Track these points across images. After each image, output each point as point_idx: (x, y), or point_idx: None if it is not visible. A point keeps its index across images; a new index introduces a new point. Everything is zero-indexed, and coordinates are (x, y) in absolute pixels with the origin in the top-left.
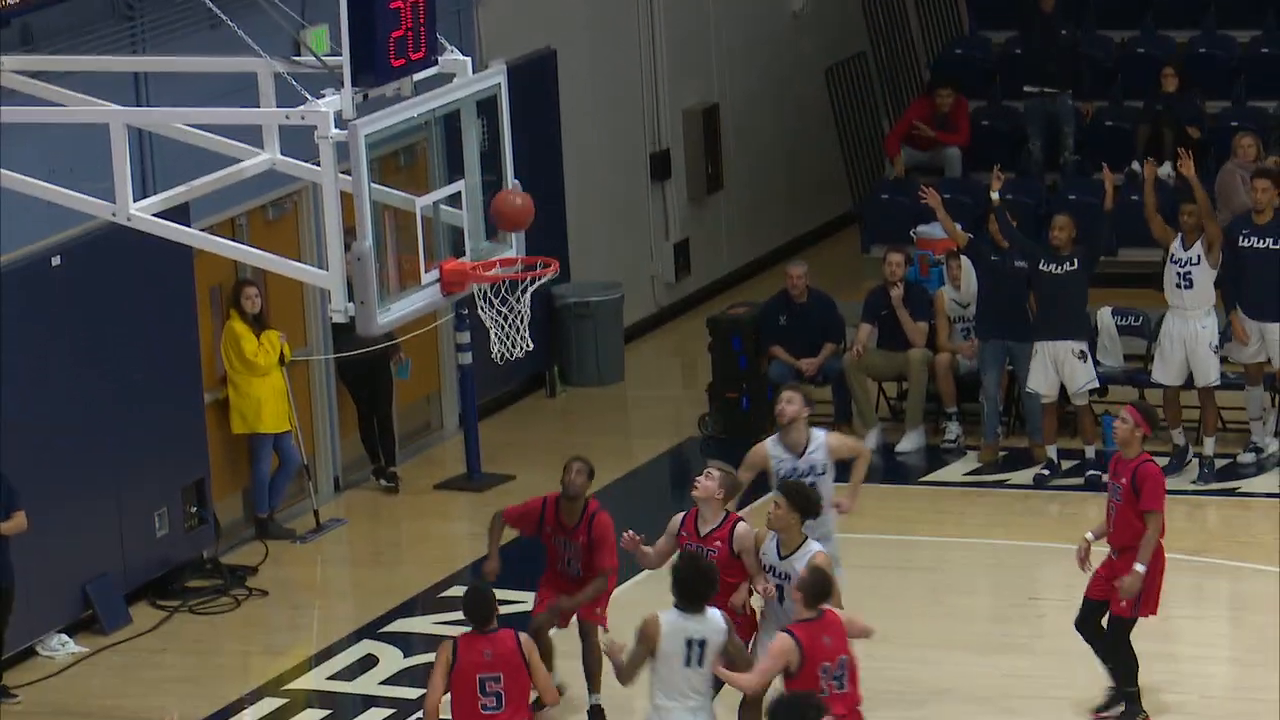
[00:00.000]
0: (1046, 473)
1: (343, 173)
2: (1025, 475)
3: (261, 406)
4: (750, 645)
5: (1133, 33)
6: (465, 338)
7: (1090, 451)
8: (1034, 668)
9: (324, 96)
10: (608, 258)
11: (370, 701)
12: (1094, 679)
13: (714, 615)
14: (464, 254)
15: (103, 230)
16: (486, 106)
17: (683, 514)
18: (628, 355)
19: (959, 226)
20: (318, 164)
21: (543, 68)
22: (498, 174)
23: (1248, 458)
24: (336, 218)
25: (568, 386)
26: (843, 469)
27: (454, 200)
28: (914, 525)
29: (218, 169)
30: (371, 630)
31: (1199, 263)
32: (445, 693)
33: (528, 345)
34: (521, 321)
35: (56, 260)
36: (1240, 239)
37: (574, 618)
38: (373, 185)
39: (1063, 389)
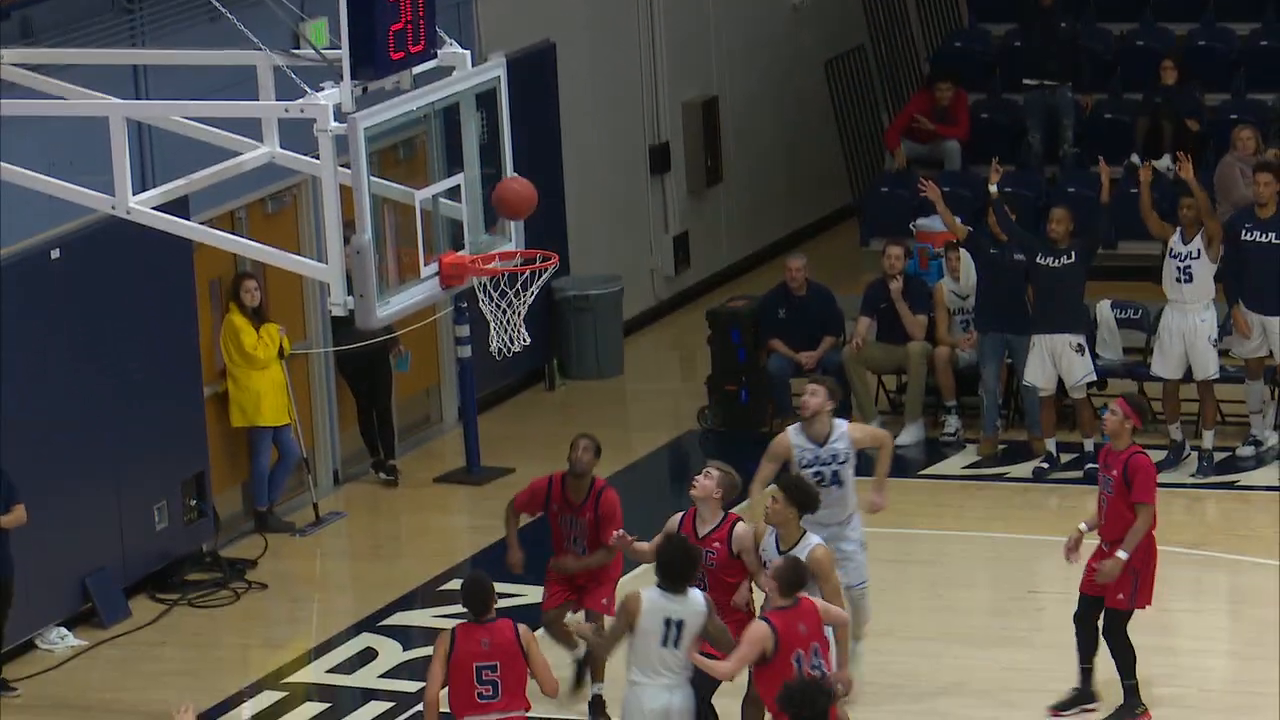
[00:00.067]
0: (1046, 466)
1: (342, 166)
2: (1024, 468)
3: (261, 400)
4: None
5: (1132, 25)
6: (465, 331)
7: (1089, 444)
8: (1033, 661)
9: (323, 89)
10: (607, 251)
11: (370, 694)
12: (1098, 672)
13: (695, 597)
14: (463, 247)
15: (102, 223)
16: (486, 100)
17: (681, 514)
18: (627, 348)
19: (958, 219)
20: (317, 157)
21: (542, 61)
22: (497, 167)
23: (1247, 451)
24: (336, 211)
25: (567, 380)
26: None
27: (453, 193)
28: (913, 518)
29: (217, 162)
30: (371, 623)
31: (1199, 257)
32: (445, 684)
33: (524, 340)
34: (519, 315)
35: (56, 253)
36: (1243, 233)
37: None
38: (372, 178)
39: (1061, 382)
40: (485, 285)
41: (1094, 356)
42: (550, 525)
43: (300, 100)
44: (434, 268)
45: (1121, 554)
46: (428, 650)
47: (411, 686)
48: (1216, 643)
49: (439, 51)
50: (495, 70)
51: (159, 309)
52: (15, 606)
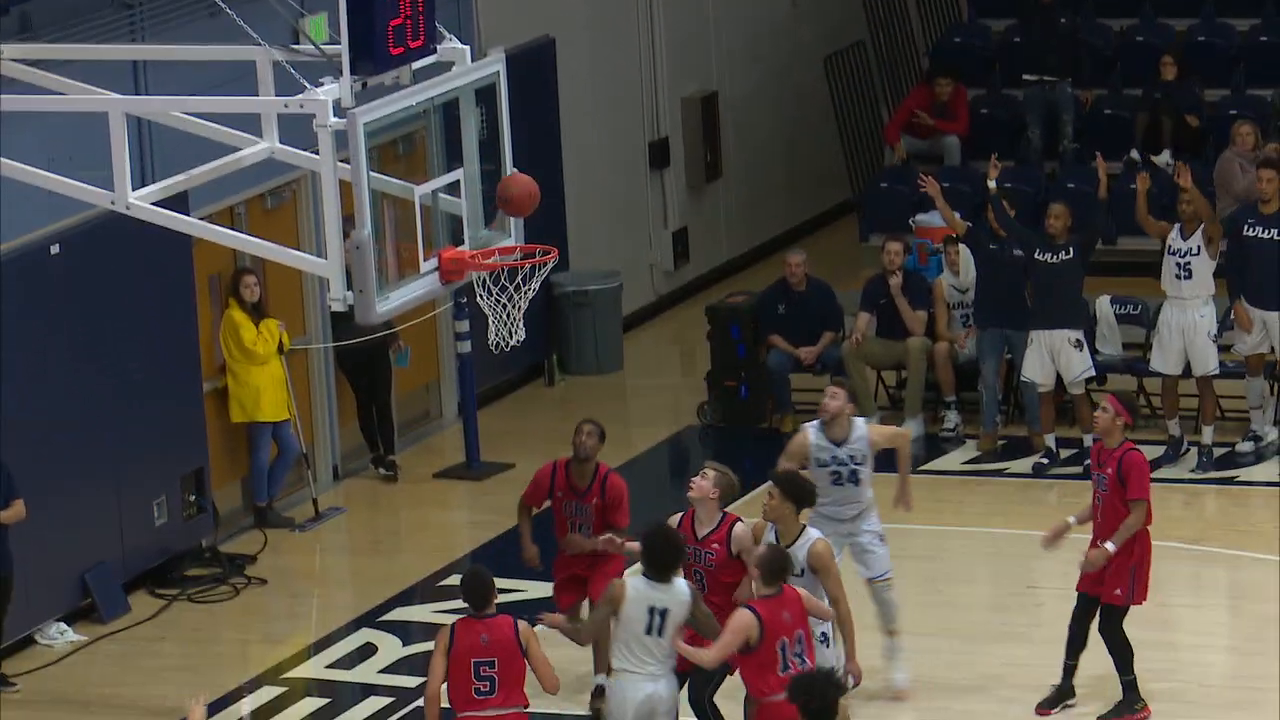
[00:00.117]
0: (1045, 461)
1: (341, 161)
2: (1024, 464)
3: (260, 395)
4: None
5: (1132, 21)
6: (464, 326)
7: (1089, 440)
8: (1032, 656)
9: (322, 85)
10: (606, 246)
11: (369, 690)
12: (1090, 667)
13: (680, 586)
14: (463, 242)
15: (101, 219)
16: (485, 95)
17: (679, 515)
18: (626, 344)
19: (958, 215)
20: (316, 152)
21: (541, 56)
22: (497, 162)
23: (1246, 446)
24: (335, 206)
25: (566, 375)
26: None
27: (453, 189)
28: (912, 514)
29: (216, 157)
30: (370, 619)
31: (1198, 253)
32: (446, 679)
33: (520, 335)
34: (518, 310)
35: (55, 249)
36: (1245, 228)
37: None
38: (371, 174)
39: (1060, 377)
40: (485, 280)
41: (1093, 352)
42: (553, 512)
43: (300, 95)
44: (433, 263)
45: (1109, 545)
46: (427, 645)
47: (411, 682)
48: (1216, 638)
49: (438, 47)
50: (495, 65)
51: (158, 305)
52: (15, 602)
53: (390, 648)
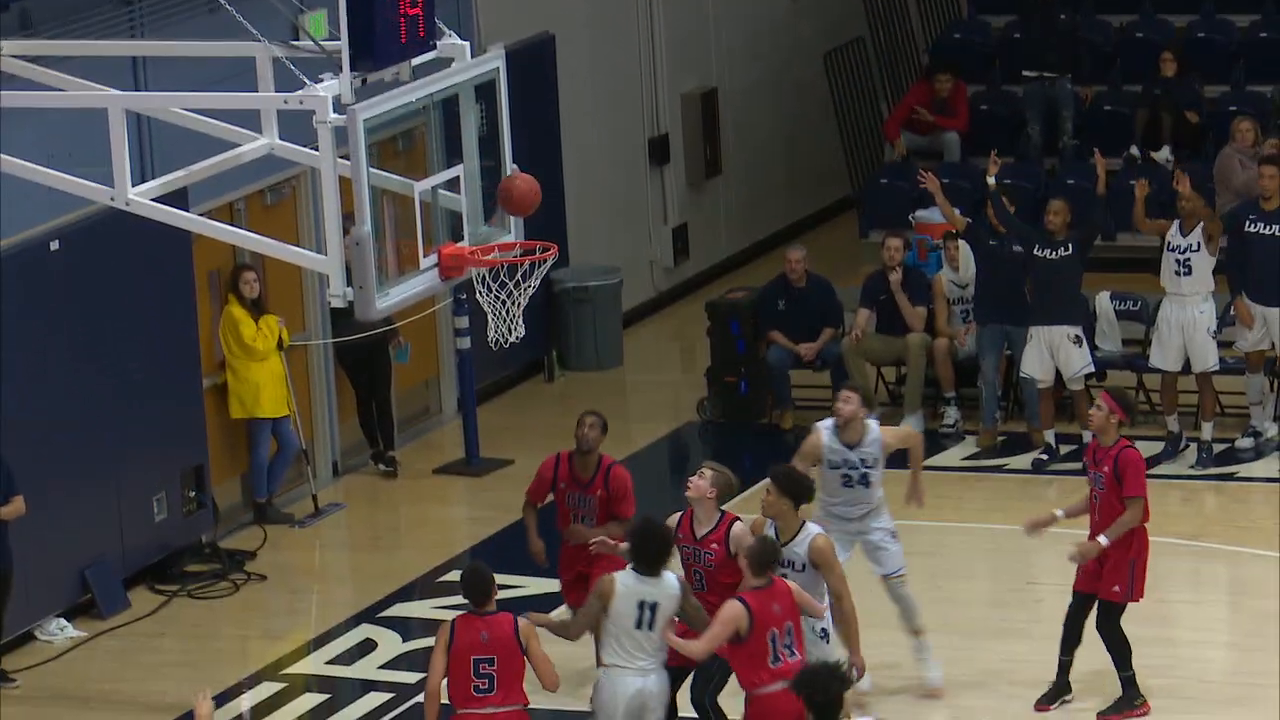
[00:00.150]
0: (1045, 457)
1: (341, 157)
2: (1023, 460)
3: (260, 391)
4: None
5: (1131, 17)
6: (464, 322)
7: (1088, 436)
8: (1032, 652)
9: (322, 81)
10: (606, 242)
11: (369, 686)
12: (1088, 664)
13: (669, 579)
14: (462, 239)
15: (101, 215)
16: (485, 91)
17: (678, 515)
18: (626, 340)
19: (958, 211)
20: (316, 149)
21: (541, 52)
22: (496, 159)
23: (1246, 443)
24: (335, 202)
25: (566, 371)
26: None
27: (453, 185)
28: (912, 510)
29: (216, 153)
30: (370, 614)
31: (1198, 249)
32: (446, 675)
33: (520, 332)
34: (517, 306)
35: (55, 245)
36: (1247, 224)
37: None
38: (371, 170)
39: (1059, 373)
40: (484, 277)
41: (1093, 348)
42: (556, 504)
43: (299, 92)
44: (433, 259)
45: (1103, 539)
46: (427, 641)
47: (411, 678)
48: (1215, 634)
49: (438, 43)
50: (494, 62)
51: (158, 301)
52: (14, 598)
53: (390, 643)
